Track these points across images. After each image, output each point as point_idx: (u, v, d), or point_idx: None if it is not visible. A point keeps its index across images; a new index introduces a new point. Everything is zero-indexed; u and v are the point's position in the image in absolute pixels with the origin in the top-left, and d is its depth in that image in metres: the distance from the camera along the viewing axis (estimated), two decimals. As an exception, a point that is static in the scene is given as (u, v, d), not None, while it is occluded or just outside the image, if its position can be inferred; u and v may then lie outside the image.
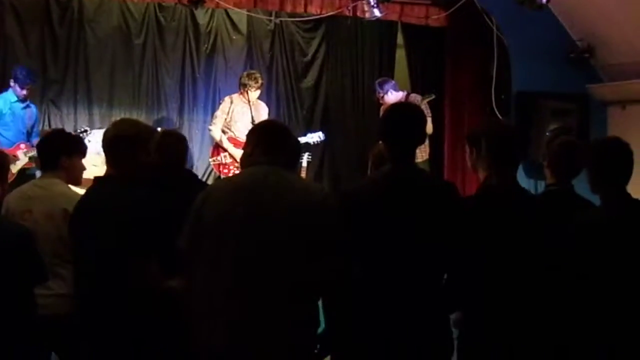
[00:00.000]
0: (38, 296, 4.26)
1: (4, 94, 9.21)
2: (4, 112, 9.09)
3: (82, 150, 5.12)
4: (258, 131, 4.02)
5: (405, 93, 9.80)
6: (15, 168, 8.90)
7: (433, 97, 9.63)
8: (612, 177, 4.11)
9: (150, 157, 4.34)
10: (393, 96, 9.66)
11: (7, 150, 8.84)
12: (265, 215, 3.66)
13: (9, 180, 8.28)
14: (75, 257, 4.33)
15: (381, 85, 9.82)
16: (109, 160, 4.24)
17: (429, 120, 9.35)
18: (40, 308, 4.34)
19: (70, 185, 4.94)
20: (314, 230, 3.67)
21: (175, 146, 5.15)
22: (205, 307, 3.71)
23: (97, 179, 4.32)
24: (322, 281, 3.72)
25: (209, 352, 3.69)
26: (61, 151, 4.91)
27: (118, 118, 9.49)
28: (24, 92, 9.25)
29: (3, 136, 9.09)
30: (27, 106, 9.41)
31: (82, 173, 5.06)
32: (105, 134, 4.29)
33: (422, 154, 9.37)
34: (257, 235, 3.64)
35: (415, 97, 9.64)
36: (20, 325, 3.98)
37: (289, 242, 3.64)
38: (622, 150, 4.14)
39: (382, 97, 9.71)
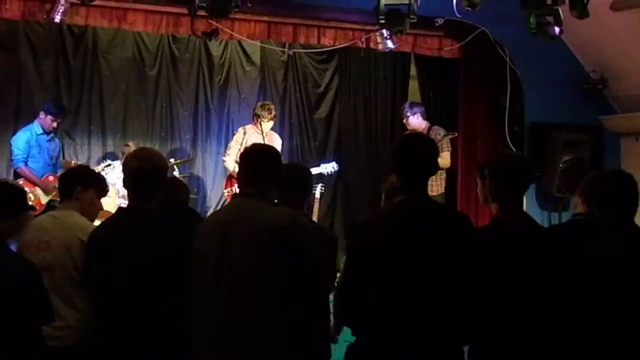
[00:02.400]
0: (51, 328, 4.25)
1: (30, 127, 9.28)
2: (31, 144, 9.16)
3: (100, 186, 5.07)
4: (244, 159, 4.14)
5: (428, 124, 9.72)
6: (45, 199, 8.98)
7: (456, 135, 9.61)
8: (619, 211, 4.05)
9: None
10: (417, 122, 9.62)
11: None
12: (235, 248, 3.79)
13: (38, 212, 8.51)
14: (93, 285, 4.31)
15: (411, 106, 9.78)
16: (140, 193, 4.24)
17: (448, 154, 9.34)
18: (53, 340, 4.33)
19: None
20: (286, 256, 3.77)
21: (181, 184, 5.57)
22: (197, 334, 3.88)
23: (123, 210, 4.34)
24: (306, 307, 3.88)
25: None
26: (76, 182, 4.89)
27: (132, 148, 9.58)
28: (55, 124, 9.41)
29: (31, 168, 9.14)
30: (52, 138, 9.51)
31: (97, 210, 5.02)
32: (136, 166, 4.27)
33: (437, 187, 9.33)
34: (230, 268, 3.78)
35: (438, 130, 9.57)
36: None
37: (259, 273, 3.76)
38: (628, 184, 4.08)
39: (408, 118, 9.66)
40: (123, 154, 9.64)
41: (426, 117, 9.83)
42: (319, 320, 4.28)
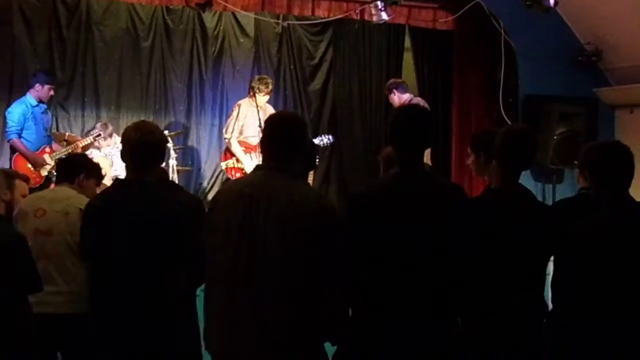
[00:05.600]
0: (43, 293, 4.27)
1: (24, 100, 9.15)
2: (27, 116, 9.05)
3: (99, 176, 5.25)
4: (268, 129, 3.95)
5: (410, 96, 9.72)
6: (44, 171, 8.96)
7: None
8: (613, 181, 4.06)
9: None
10: (397, 97, 9.65)
11: (36, 153, 9.00)
12: (259, 224, 3.68)
13: (38, 184, 8.49)
14: (91, 255, 4.28)
15: (396, 85, 9.84)
16: (138, 166, 4.15)
17: None
18: (44, 305, 4.37)
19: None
20: (306, 242, 3.66)
21: None
22: (211, 309, 3.82)
23: (120, 181, 4.34)
24: (320, 297, 3.72)
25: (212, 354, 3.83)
26: (81, 169, 5.05)
27: (126, 121, 9.57)
28: (52, 92, 9.31)
29: (27, 141, 9.02)
30: (45, 110, 9.41)
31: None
32: (138, 139, 4.13)
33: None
34: (251, 244, 3.68)
35: (419, 101, 9.55)
36: (14, 333, 3.96)
37: (281, 252, 3.66)
38: (623, 154, 4.08)
39: (388, 96, 9.74)
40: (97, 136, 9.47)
41: (406, 90, 9.85)
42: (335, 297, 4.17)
